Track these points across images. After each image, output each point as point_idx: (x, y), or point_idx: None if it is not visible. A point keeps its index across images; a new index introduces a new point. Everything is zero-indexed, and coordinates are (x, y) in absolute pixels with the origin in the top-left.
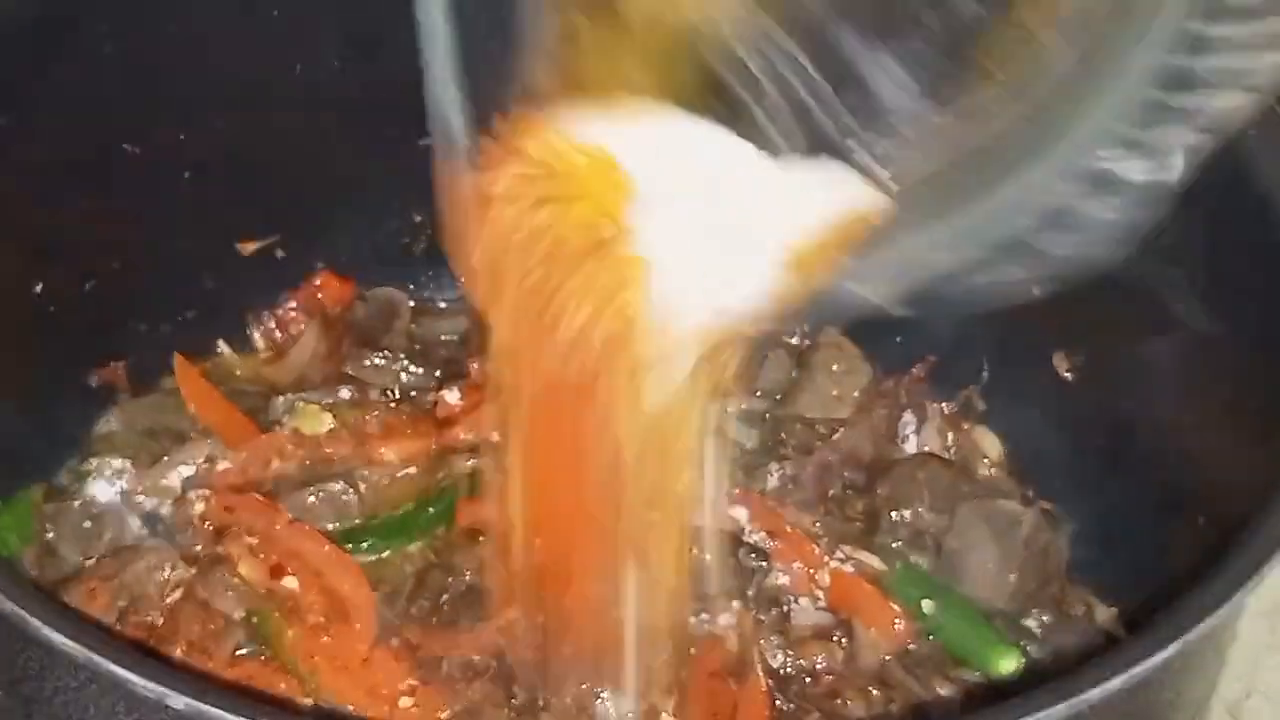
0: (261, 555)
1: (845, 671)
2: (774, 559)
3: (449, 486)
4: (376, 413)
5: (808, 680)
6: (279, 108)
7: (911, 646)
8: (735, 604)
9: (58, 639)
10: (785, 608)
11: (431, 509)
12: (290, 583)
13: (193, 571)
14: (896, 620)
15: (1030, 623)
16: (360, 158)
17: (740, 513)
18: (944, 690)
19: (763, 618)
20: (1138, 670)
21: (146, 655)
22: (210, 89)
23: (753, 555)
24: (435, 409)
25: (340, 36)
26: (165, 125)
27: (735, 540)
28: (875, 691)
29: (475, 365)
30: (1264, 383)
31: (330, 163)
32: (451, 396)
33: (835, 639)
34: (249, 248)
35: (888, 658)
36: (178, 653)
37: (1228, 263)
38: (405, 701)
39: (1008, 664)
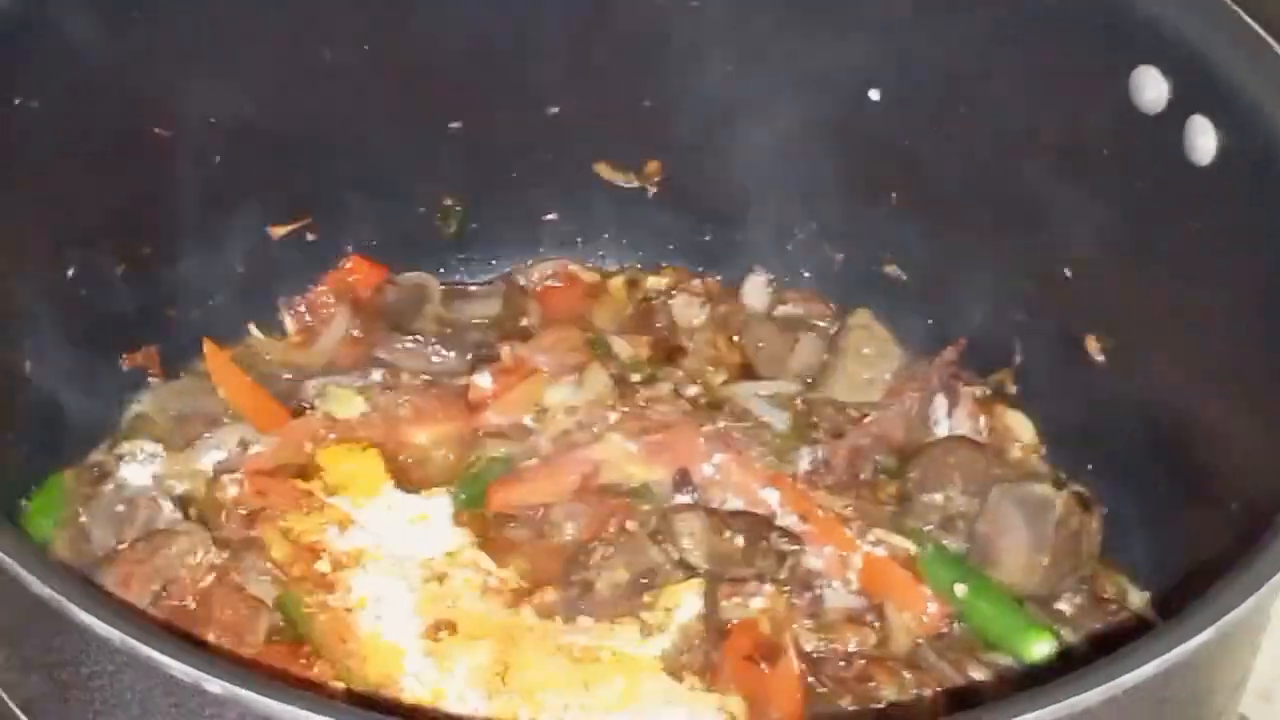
0: (294, 539)
1: (878, 655)
2: (806, 542)
3: (481, 471)
4: (408, 396)
5: (841, 663)
6: (308, 92)
7: (944, 630)
8: (768, 587)
9: (96, 624)
10: (818, 591)
11: (463, 495)
12: (323, 566)
13: (225, 555)
14: (929, 603)
15: (1062, 606)
16: (390, 141)
17: (772, 495)
18: (977, 674)
19: (796, 601)
20: (1174, 654)
21: (183, 639)
22: (240, 73)
23: (785, 539)
24: (467, 393)
25: (369, 21)
26: (195, 109)
27: (768, 523)
28: (908, 675)
29: (506, 349)
30: None
31: (360, 146)
32: (483, 381)
33: (868, 622)
34: (279, 231)
35: (920, 641)
36: (210, 637)
37: (1261, 244)
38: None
39: (1040, 648)
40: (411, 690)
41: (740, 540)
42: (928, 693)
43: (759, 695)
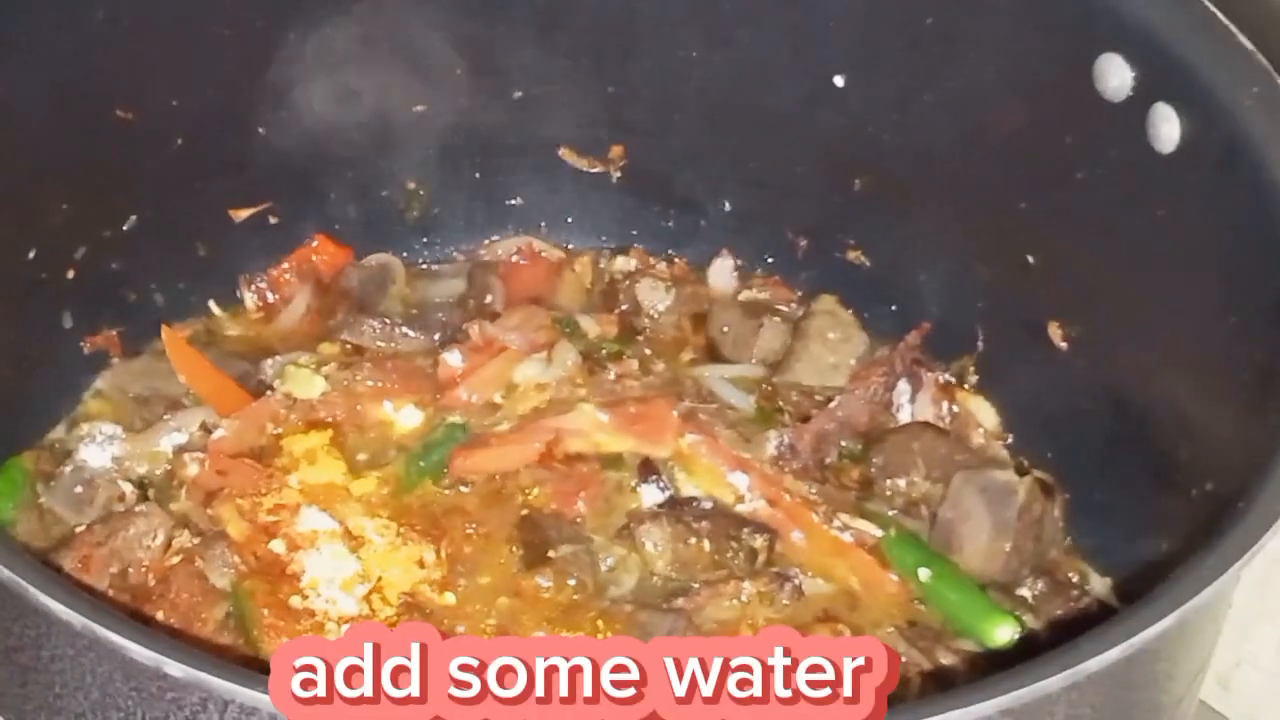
0: (250, 518)
1: None
2: (778, 532)
3: (441, 437)
4: (368, 372)
5: None
6: (272, 75)
7: (914, 618)
8: (747, 584)
9: (56, 607)
10: (796, 581)
11: (421, 463)
12: (278, 546)
13: (196, 541)
14: (894, 589)
15: (1024, 592)
16: (354, 124)
17: (741, 480)
18: (946, 659)
19: (779, 595)
20: (1136, 641)
21: (144, 623)
22: (203, 56)
23: (757, 533)
24: (428, 369)
25: (334, 4)
26: (158, 92)
27: (737, 520)
28: None
29: (475, 327)
30: (1260, 355)
31: (324, 129)
32: (453, 359)
33: (840, 618)
34: (242, 214)
35: (890, 629)
36: (159, 615)
37: (1224, 232)
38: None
39: (1003, 632)
40: None
41: (706, 544)
42: (910, 674)
43: None
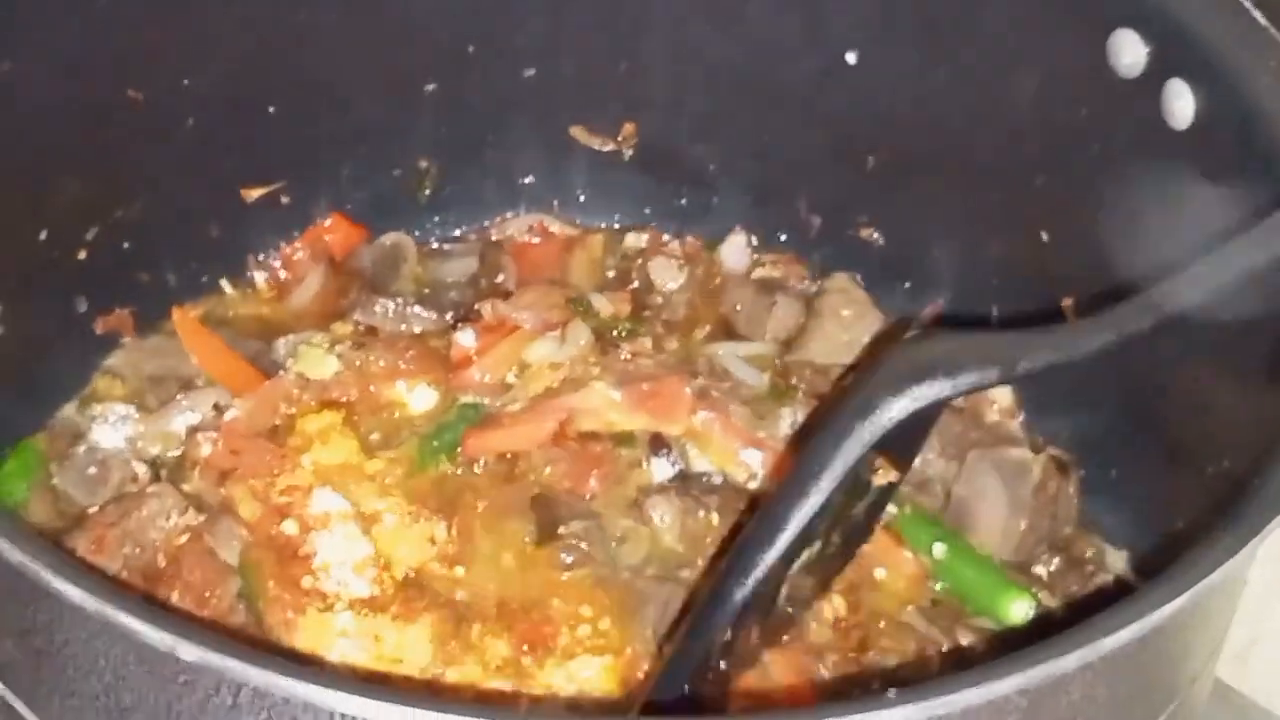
0: (263, 499)
1: (868, 623)
2: None
3: (454, 417)
4: (381, 353)
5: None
6: (283, 55)
7: (933, 597)
8: None
9: (69, 590)
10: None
11: (434, 443)
12: (290, 527)
13: (203, 518)
14: (912, 568)
15: (1039, 569)
16: (366, 104)
17: (754, 457)
18: (965, 639)
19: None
20: (1151, 619)
21: (157, 606)
22: (214, 35)
23: None
24: (444, 351)
25: None
26: (169, 72)
27: (747, 495)
28: (908, 640)
29: (488, 306)
30: (1275, 332)
31: (335, 109)
32: (466, 338)
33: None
34: (253, 194)
35: (910, 608)
36: (173, 596)
37: (1237, 209)
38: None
39: (1019, 608)
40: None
41: (715, 518)
42: (914, 657)
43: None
